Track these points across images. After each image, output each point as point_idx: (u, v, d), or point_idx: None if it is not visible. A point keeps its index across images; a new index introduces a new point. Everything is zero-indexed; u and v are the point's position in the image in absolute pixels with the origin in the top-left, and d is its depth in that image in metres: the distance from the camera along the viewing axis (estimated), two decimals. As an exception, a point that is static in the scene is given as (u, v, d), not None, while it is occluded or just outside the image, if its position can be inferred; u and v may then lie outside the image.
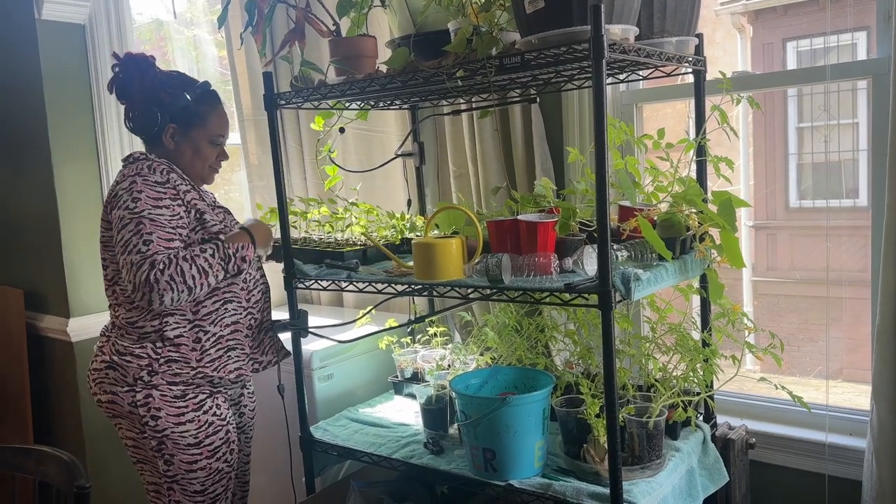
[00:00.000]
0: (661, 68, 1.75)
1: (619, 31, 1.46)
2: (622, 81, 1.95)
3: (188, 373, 1.79)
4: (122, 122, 2.79)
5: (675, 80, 1.96)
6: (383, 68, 1.79)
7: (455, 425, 1.92)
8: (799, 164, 5.25)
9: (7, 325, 3.04)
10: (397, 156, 2.37)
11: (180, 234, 1.74)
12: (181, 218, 1.76)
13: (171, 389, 1.78)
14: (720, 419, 1.98)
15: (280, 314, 2.04)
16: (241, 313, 1.88)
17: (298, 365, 2.00)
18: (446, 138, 2.43)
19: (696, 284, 1.85)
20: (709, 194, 1.82)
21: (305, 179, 2.87)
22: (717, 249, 1.70)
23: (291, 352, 2.00)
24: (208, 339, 1.82)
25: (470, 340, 2.19)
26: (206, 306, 1.81)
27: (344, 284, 1.87)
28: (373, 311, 2.17)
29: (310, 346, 2.19)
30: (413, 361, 2.29)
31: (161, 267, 1.65)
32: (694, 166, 1.85)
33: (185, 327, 1.79)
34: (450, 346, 2.28)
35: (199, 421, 1.80)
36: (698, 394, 1.77)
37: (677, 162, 1.73)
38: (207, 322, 1.82)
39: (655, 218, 1.68)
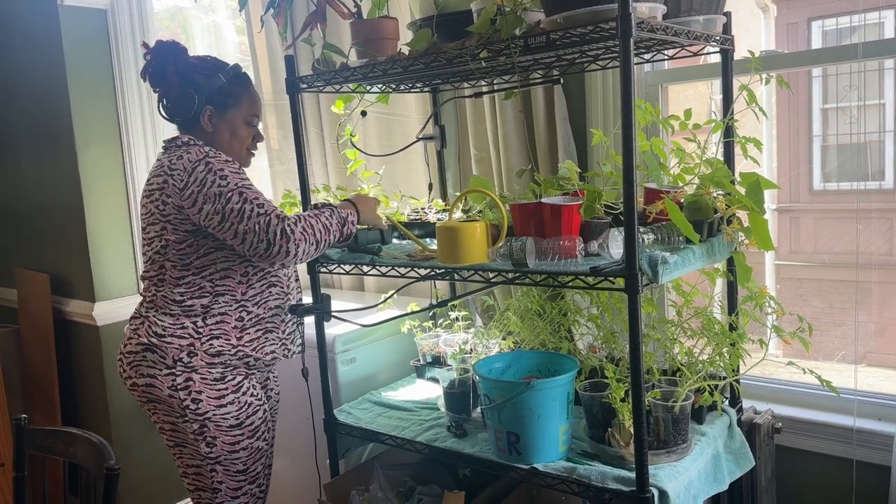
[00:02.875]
0: (687, 47, 1.72)
1: (647, 10, 1.43)
2: (648, 61, 1.92)
3: (229, 350, 1.82)
4: (143, 107, 2.82)
5: (697, 60, 1.92)
6: (405, 50, 1.78)
7: (478, 409, 1.92)
8: (823, 146, 5.16)
9: (34, 309, 3.09)
10: (418, 139, 2.36)
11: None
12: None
13: (210, 372, 1.80)
14: (746, 403, 1.96)
15: (303, 298, 2.04)
16: (282, 298, 1.91)
17: (322, 349, 2.01)
18: (467, 121, 2.41)
19: (722, 268, 1.83)
20: (736, 176, 1.79)
21: (326, 164, 2.87)
22: (745, 232, 1.67)
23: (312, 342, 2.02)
24: (250, 319, 1.85)
25: (492, 324, 2.19)
26: (253, 287, 1.84)
27: (367, 269, 1.86)
28: (395, 296, 2.17)
29: (332, 329, 2.20)
30: (435, 345, 2.29)
31: (293, 220, 1.70)
32: (720, 147, 1.82)
33: (231, 306, 1.82)
34: (471, 330, 2.28)
35: (238, 402, 1.83)
36: (724, 378, 1.75)
37: (704, 143, 1.71)
38: (251, 303, 1.85)
39: (682, 200, 1.66)
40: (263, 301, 1.87)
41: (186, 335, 1.79)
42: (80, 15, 2.72)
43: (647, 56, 1.84)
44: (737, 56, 1.81)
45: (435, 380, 2.23)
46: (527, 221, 1.66)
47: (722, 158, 1.80)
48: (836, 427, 1.96)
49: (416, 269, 1.77)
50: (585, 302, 2.03)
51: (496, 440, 1.70)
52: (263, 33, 2.83)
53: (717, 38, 1.71)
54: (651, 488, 1.48)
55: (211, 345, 1.80)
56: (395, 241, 2.15)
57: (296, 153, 1.95)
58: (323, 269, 1.96)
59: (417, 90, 2.31)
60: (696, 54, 1.77)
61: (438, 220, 2.05)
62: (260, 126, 1.95)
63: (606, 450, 1.63)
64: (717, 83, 1.82)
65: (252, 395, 1.87)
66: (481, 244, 1.65)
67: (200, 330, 1.80)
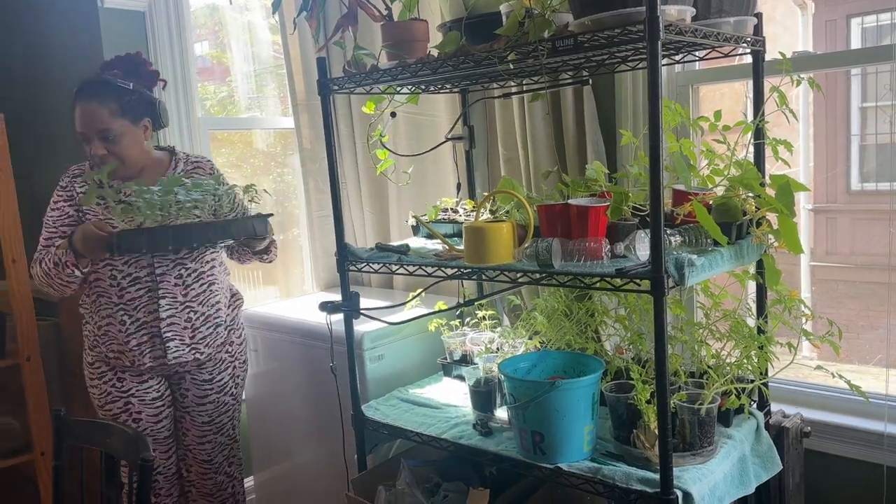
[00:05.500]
0: (717, 49, 1.71)
1: (676, 12, 1.43)
2: (677, 62, 1.91)
3: (94, 342, 2.15)
4: (180, 106, 2.87)
5: (731, 60, 1.91)
6: (434, 52, 1.80)
7: (503, 407, 1.93)
8: (862, 146, 5.05)
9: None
10: (447, 139, 2.37)
11: (62, 232, 2.04)
12: (69, 216, 2.06)
13: (87, 355, 2.17)
14: (774, 407, 1.94)
15: (333, 296, 2.08)
16: (112, 308, 2.08)
17: (350, 346, 2.04)
18: (496, 122, 2.42)
19: (752, 270, 1.82)
20: (767, 178, 1.77)
21: (357, 164, 2.90)
22: (775, 234, 1.66)
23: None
24: (95, 325, 2.12)
25: (519, 324, 2.20)
26: (88, 296, 2.10)
27: (395, 268, 1.89)
28: (423, 294, 2.19)
29: (361, 327, 2.23)
30: (462, 344, 2.31)
31: (36, 263, 2.03)
32: (751, 149, 1.80)
33: (86, 308, 2.16)
34: (498, 329, 2.29)
35: (99, 388, 2.15)
36: (752, 381, 1.74)
37: (734, 144, 1.70)
38: (88, 312, 2.13)
39: (711, 202, 1.65)
40: (96, 310, 2.11)
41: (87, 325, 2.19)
42: (119, 16, 2.78)
43: (676, 57, 1.83)
44: (769, 57, 1.79)
45: (461, 378, 2.24)
46: (553, 222, 1.67)
47: (752, 160, 1.79)
48: (866, 432, 1.94)
49: (442, 268, 1.78)
50: (613, 303, 2.03)
51: (521, 439, 1.71)
52: (297, 35, 2.87)
53: (748, 39, 1.69)
54: (676, 490, 1.48)
55: (88, 334, 2.16)
56: (422, 239, 2.17)
57: (326, 153, 1.98)
58: (352, 268, 1.99)
59: (447, 91, 2.33)
60: (726, 55, 1.76)
61: (467, 219, 2.07)
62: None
63: (631, 451, 1.63)
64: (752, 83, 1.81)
65: (114, 385, 2.11)
66: (507, 244, 1.66)
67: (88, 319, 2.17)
